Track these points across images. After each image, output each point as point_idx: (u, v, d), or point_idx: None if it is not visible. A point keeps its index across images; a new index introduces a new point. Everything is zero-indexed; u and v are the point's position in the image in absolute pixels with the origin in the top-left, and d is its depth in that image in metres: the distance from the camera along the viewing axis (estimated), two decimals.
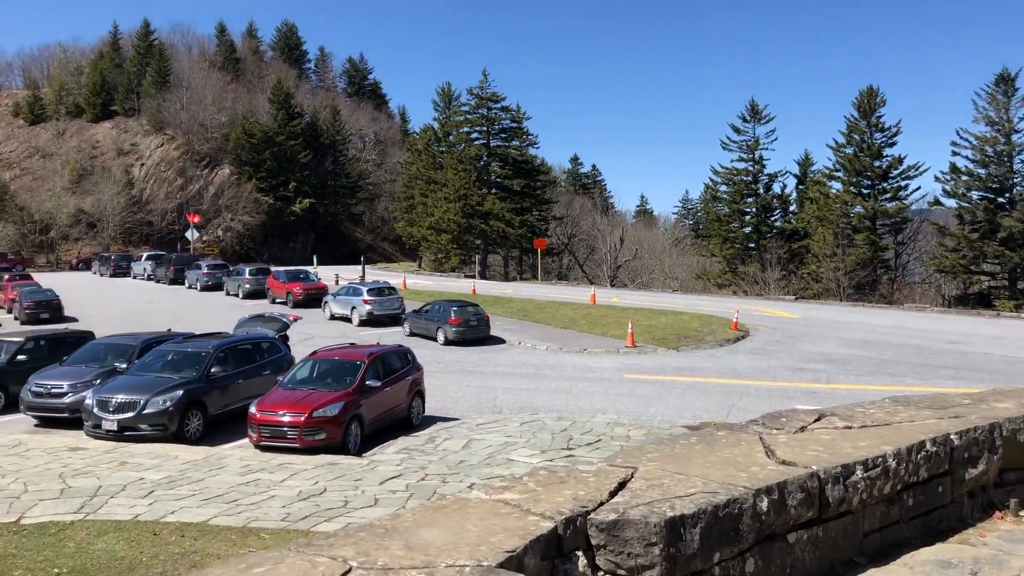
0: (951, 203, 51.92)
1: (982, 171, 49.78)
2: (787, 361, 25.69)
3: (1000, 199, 49.27)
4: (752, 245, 65.65)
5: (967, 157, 50.52)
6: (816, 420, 5.02)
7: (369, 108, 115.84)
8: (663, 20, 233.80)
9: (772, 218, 67.06)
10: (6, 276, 45.68)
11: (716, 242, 67.32)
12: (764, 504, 3.60)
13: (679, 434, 4.58)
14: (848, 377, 23.13)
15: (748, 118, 65.55)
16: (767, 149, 67.01)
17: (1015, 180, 49.03)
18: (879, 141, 56.21)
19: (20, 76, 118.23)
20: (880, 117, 56.22)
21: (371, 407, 16.05)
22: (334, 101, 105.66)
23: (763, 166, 66.06)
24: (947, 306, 47.77)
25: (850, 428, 4.82)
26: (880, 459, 4.21)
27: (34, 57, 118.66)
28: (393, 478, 12.57)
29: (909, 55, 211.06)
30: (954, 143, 50.64)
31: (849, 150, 57.10)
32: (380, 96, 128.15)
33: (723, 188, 68.64)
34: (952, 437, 4.63)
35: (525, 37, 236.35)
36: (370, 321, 33.33)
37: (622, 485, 3.62)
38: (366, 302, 33.82)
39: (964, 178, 50.30)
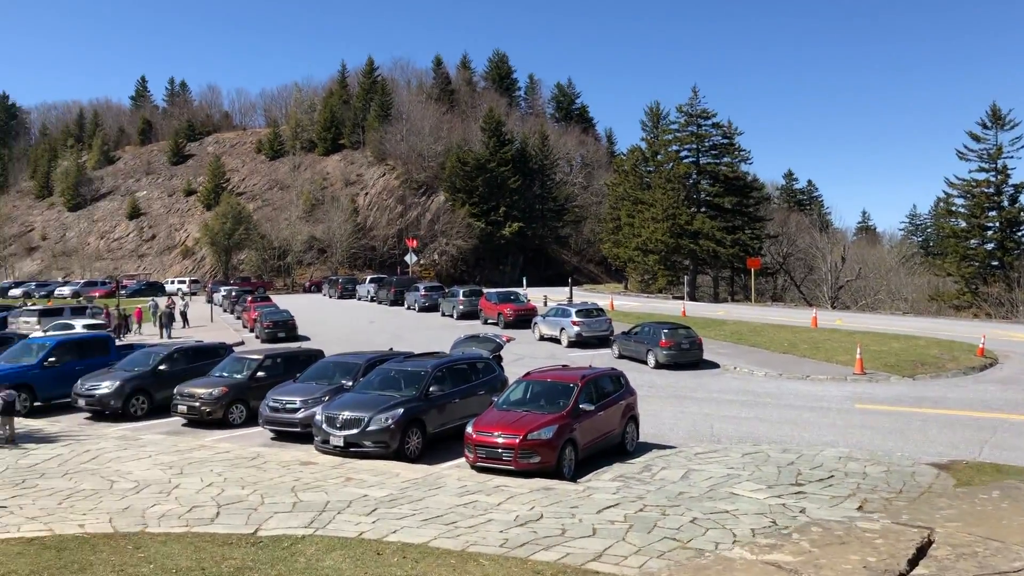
0: None
1: None
2: None
3: None
4: (995, 263, 59.62)
5: None
6: None
7: (576, 132, 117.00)
8: (884, 16, 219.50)
9: (1019, 233, 60.57)
10: (249, 298, 49.84)
11: (952, 260, 61.72)
12: None
13: (976, 488, 3.81)
14: None
15: (989, 124, 59.83)
16: (1012, 157, 60.86)
17: None
18: None
19: (263, 116, 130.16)
20: None
21: (585, 431, 15.69)
22: (542, 126, 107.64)
23: (1007, 176, 59.97)
24: None
25: None
26: None
27: (273, 97, 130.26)
28: (610, 507, 12.10)
29: None
30: None
31: None
32: (587, 119, 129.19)
33: (960, 201, 63.03)
34: None
35: (734, 48, 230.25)
36: (578, 343, 33.16)
37: (921, 551, 2.97)
38: (575, 323, 33.71)
39: None
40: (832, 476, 13.83)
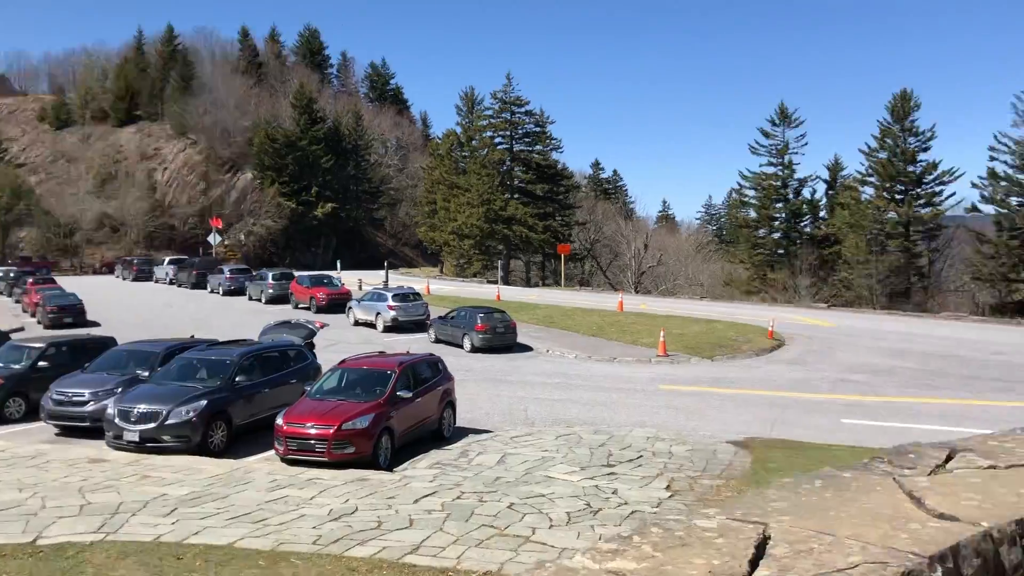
0: (989, 209, 50.70)
1: (1022, 176, 48.52)
2: (828, 372, 24.80)
3: None
4: (781, 251, 64.63)
5: (1006, 162, 49.29)
6: (949, 458, 4.28)
7: (391, 113, 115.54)
8: (688, 23, 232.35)
9: (802, 224, 65.99)
10: (30, 280, 45.43)
11: (744, 248, 66.30)
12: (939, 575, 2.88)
13: (800, 479, 3.86)
14: (894, 389, 22.25)
15: (777, 122, 64.56)
16: (797, 153, 65.98)
17: None
18: (913, 145, 55.07)
19: (47, 82, 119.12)
20: (914, 121, 55.15)
21: (402, 419, 15.40)
22: (356, 106, 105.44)
23: (793, 171, 65.05)
24: (983, 315, 46.56)
25: (996, 468, 4.07)
26: None
27: (60, 62, 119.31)
28: (427, 496, 11.89)
29: (944, 57, 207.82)
30: (992, 148, 49.45)
31: (882, 155, 56.04)
32: (402, 101, 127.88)
33: (751, 193, 67.62)
34: None
35: (548, 41, 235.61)
36: (395, 327, 32.73)
37: (760, 550, 2.91)
38: (391, 308, 33.24)
39: (1003, 183, 49.03)
40: (641, 456, 14.32)
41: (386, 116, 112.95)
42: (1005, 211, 49.13)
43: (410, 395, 15.74)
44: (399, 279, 55.73)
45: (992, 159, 49.63)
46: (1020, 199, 48.80)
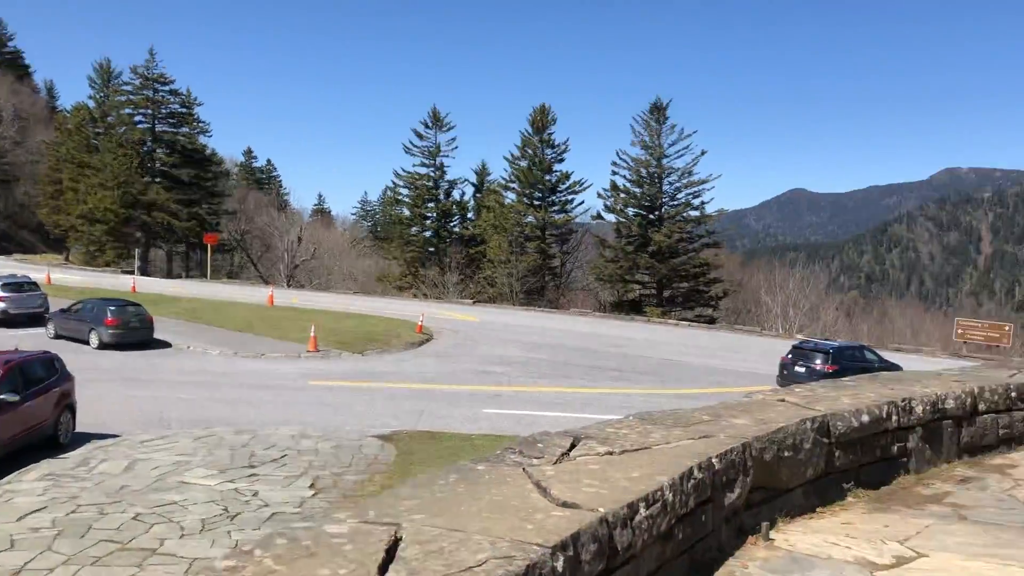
0: (611, 218, 56.85)
1: (637, 190, 55.04)
2: (470, 364, 26.01)
3: (651, 216, 54.79)
4: (432, 249, 66.84)
5: (625, 176, 55.58)
6: (573, 445, 4.51)
7: (9, 79, 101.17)
8: (352, 22, 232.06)
9: (451, 224, 68.79)
10: None
11: (397, 245, 67.57)
12: (560, 564, 2.94)
13: (435, 474, 3.80)
14: (528, 379, 23.89)
15: (430, 125, 66.64)
16: (448, 156, 68.63)
17: (663, 200, 54.80)
18: (550, 156, 59.93)
19: None
20: (551, 134, 60.00)
21: (7, 426, 13.37)
22: None
23: (444, 172, 67.55)
24: (604, 311, 52.02)
25: (612, 454, 4.36)
26: (659, 492, 3.76)
27: None
28: (36, 512, 10.41)
29: (579, 76, 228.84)
30: (614, 163, 55.49)
31: (523, 163, 60.25)
32: (22, 66, 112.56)
33: (405, 192, 69.11)
34: (714, 460, 4.34)
35: (196, 20, 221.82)
36: (5, 321, 28.63)
37: (390, 554, 2.76)
38: (0, 299, 29.03)
39: (622, 195, 55.26)
40: (285, 455, 13.82)
41: (2, 82, 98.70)
42: (623, 220, 55.45)
43: (18, 399, 13.72)
44: (14, 267, 49.00)
45: (614, 173, 55.75)
46: (635, 210, 55.34)
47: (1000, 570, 4.03)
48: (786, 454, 5.04)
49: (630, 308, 52.39)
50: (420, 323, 32.26)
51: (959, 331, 42.38)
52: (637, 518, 3.56)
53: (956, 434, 6.37)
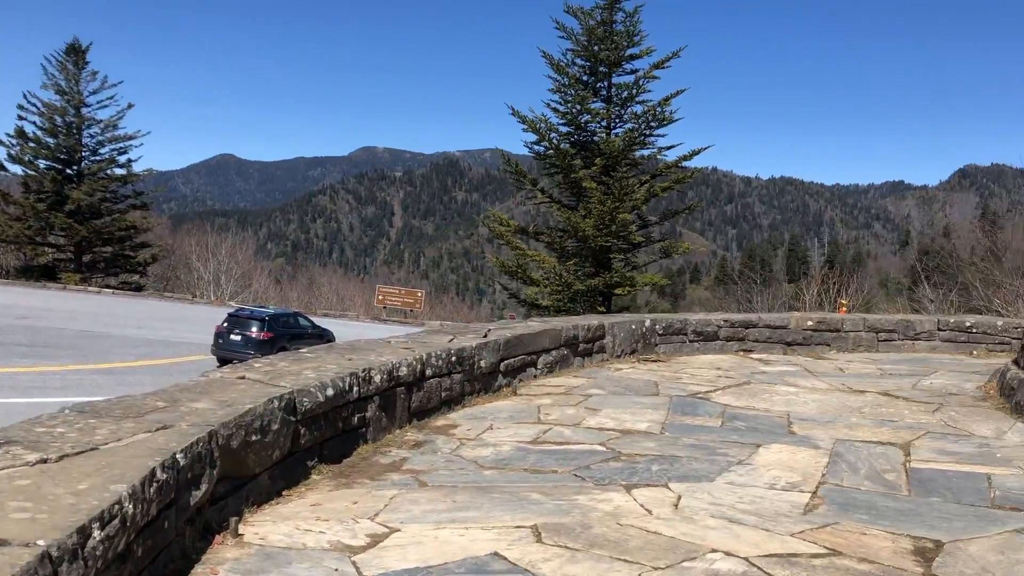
0: (18, 169, 49.24)
1: (51, 140, 48.46)
2: None
3: (69, 171, 48.84)
4: None
5: (36, 124, 48.53)
6: None
7: None
8: None
9: None
10: None
11: None
12: None
13: None
14: None
15: None
16: None
17: (84, 153, 49.25)
18: None
19: None
20: None
21: None
22: None
23: None
24: (8, 278, 45.28)
25: (48, 461, 3.45)
26: (117, 506, 3.05)
27: None
28: None
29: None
30: (22, 107, 48.01)
31: None
32: None
33: None
34: (179, 457, 3.73)
35: None
36: None
37: None
38: None
39: (32, 145, 48.18)
40: None
41: None
42: (34, 173, 48.50)
43: None
44: None
45: (22, 119, 48.31)
46: (49, 162, 48.82)
47: (464, 534, 4.17)
48: (254, 438, 4.62)
49: (42, 274, 46.35)
50: None
51: (379, 297, 46.43)
52: (90, 544, 2.82)
53: (408, 400, 6.63)
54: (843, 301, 22.62)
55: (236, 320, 24.74)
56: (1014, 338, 12.12)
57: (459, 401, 7.44)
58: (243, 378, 5.52)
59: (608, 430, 6.71)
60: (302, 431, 5.19)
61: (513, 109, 19.20)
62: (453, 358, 7.26)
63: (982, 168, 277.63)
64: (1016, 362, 8.50)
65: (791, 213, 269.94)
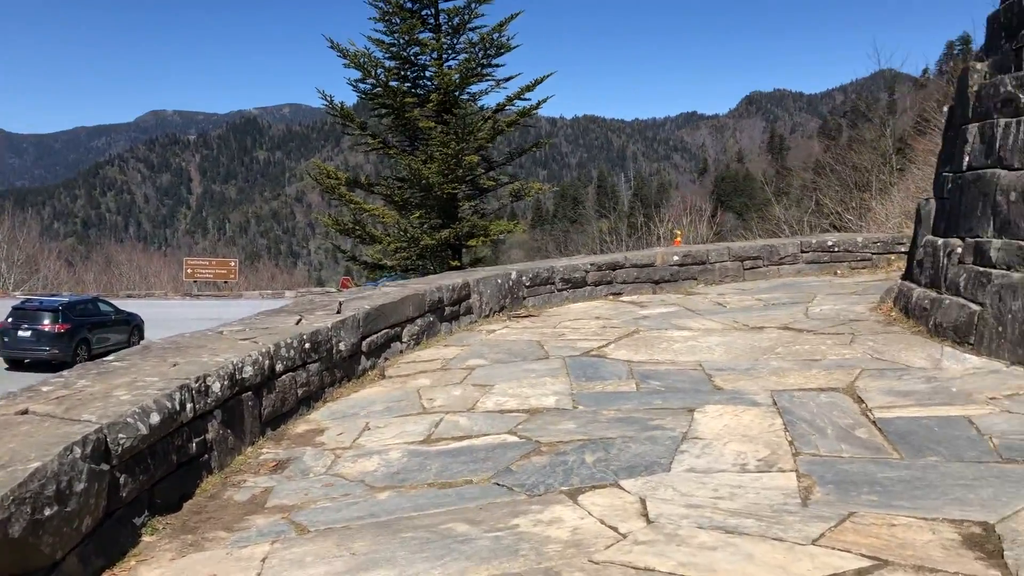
0: None
1: None
2: None
3: None
4: None
5: None
6: None
7: None
8: None
9: None
10: None
11: None
12: None
13: None
14: None
15: None
16: None
17: None
18: None
19: None
20: None
21: None
22: None
23: None
24: None
25: None
26: None
27: None
28: None
29: None
30: None
31: None
32: None
33: None
34: None
35: None
36: None
37: None
38: None
39: None
40: None
41: None
42: None
43: None
44: None
45: None
46: None
47: None
48: (49, 512, 3.10)
49: None
50: None
51: (188, 270, 42.89)
52: None
53: (257, 407, 5.17)
54: (677, 232, 22.58)
55: (23, 313, 21.66)
56: (874, 253, 12.01)
57: (319, 396, 6.04)
58: (26, 412, 3.88)
59: (512, 411, 5.55)
60: (122, 480, 3.69)
61: (332, 42, 17.29)
62: (307, 345, 5.83)
63: (766, 94, 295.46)
64: (909, 278, 8.08)
65: (597, 150, 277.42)
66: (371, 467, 4.61)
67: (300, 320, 6.46)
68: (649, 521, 3.55)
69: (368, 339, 6.89)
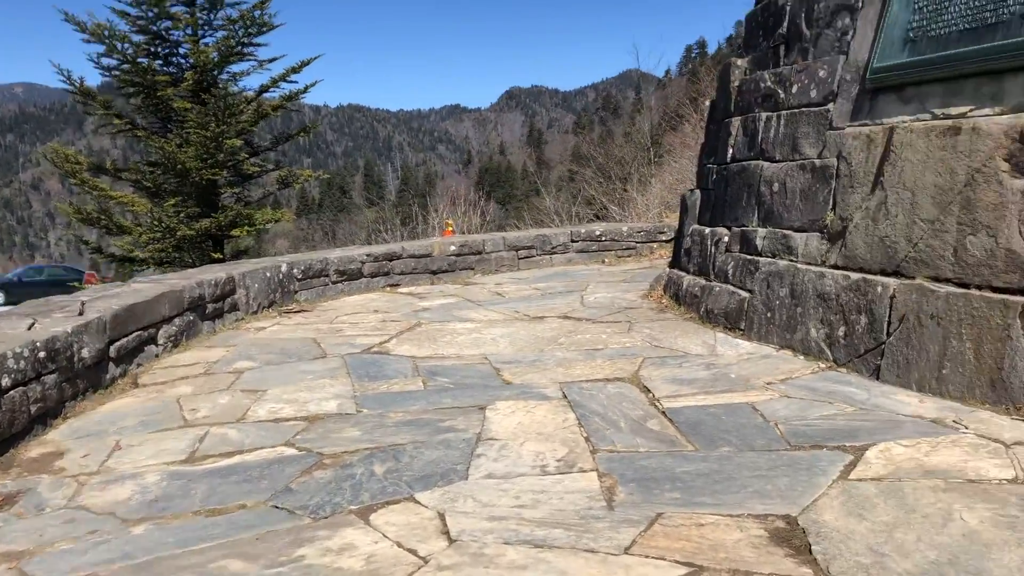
0: None
1: None
2: None
3: None
4: None
5: None
6: None
7: None
8: None
9: None
10: None
11: None
12: None
13: None
14: None
15: None
16: None
17: None
18: None
19: None
20: None
21: None
22: None
23: None
24: None
25: None
26: None
27: None
28: None
29: None
30: None
31: None
32: None
33: None
34: None
35: None
36: None
37: None
38: None
39: None
40: None
41: None
42: None
43: None
44: None
45: None
46: None
47: None
48: None
49: None
50: None
51: None
52: None
53: None
54: (448, 221, 22.51)
55: None
56: (638, 242, 12.47)
57: (58, 412, 5.18)
58: None
59: (288, 420, 5.03)
60: None
61: (67, 14, 15.40)
62: (41, 354, 4.97)
63: (525, 90, 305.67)
64: (678, 266, 8.36)
65: (362, 140, 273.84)
66: (124, 495, 3.95)
67: (33, 324, 5.52)
68: (451, 540, 3.24)
69: (117, 343, 6.05)
